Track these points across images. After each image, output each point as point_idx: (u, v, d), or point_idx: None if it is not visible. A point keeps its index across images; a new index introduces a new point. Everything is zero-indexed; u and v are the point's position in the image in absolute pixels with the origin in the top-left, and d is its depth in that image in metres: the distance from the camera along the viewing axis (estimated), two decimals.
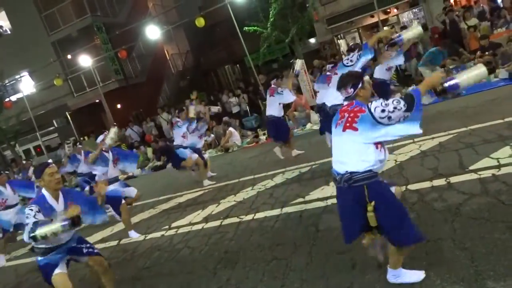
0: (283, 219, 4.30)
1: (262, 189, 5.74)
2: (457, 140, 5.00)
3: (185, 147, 7.09)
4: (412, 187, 3.99)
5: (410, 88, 8.82)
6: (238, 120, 12.80)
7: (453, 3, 13.93)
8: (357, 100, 2.56)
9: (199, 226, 5.01)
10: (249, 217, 4.72)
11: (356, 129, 2.43)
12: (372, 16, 13.97)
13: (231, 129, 11.27)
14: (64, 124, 19.57)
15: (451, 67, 9.55)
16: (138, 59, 19.99)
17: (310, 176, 5.62)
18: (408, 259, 2.77)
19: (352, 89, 2.54)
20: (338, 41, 16.24)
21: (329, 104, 5.46)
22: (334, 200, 4.25)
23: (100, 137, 5.96)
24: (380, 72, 6.74)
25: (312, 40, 17.25)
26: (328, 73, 6.01)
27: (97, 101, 18.18)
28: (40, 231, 2.78)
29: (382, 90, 6.23)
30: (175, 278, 3.80)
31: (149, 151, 13.40)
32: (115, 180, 5.72)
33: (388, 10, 14.52)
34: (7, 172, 7.54)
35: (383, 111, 2.35)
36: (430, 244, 2.87)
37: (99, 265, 3.44)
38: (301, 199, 4.71)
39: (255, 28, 13.07)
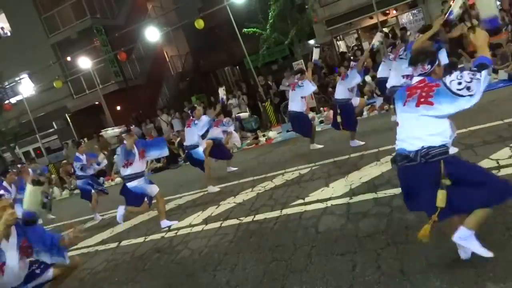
0: (282, 220, 4.30)
1: (261, 191, 5.73)
2: (457, 141, 4.98)
3: (197, 146, 7.00)
4: None
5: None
6: (238, 122, 12.79)
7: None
8: (429, 76, 2.57)
9: (198, 228, 5.01)
10: (249, 218, 4.72)
11: (431, 103, 2.41)
12: (371, 18, 14.00)
13: (231, 129, 11.25)
14: (64, 126, 19.57)
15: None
16: (137, 61, 20.01)
17: (310, 177, 5.62)
18: (408, 261, 2.77)
19: (429, 66, 2.57)
20: (338, 42, 16.27)
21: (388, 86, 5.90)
22: (334, 202, 4.30)
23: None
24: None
25: (312, 42, 17.27)
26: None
27: (97, 103, 18.17)
28: None
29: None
30: (175, 279, 3.80)
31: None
32: (140, 175, 5.41)
33: (387, 12, 14.55)
34: (14, 170, 7.51)
35: (459, 83, 2.34)
36: (429, 246, 2.86)
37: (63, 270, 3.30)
38: (301, 201, 4.71)
39: (255, 29, 13.08)
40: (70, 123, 19.14)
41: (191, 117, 7.19)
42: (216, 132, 7.50)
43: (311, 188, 5.08)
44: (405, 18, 14.51)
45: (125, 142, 5.30)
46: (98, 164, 7.68)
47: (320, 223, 3.90)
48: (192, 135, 6.90)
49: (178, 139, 12.53)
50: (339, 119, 6.52)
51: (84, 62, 15.68)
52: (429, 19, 12.68)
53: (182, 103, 16.50)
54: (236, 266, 3.59)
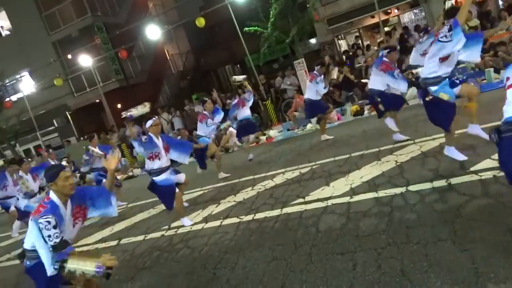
0: (283, 219, 4.29)
1: (262, 190, 5.73)
2: (458, 141, 4.98)
3: (207, 137, 7.28)
4: (412, 188, 3.98)
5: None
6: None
7: (455, 3, 13.93)
8: None
9: (199, 226, 5.01)
10: (249, 217, 4.71)
11: None
12: (373, 17, 13.97)
13: (231, 129, 11.25)
14: (65, 124, 19.58)
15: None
16: (138, 59, 20.00)
17: (310, 176, 5.61)
18: (408, 260, 2.76)
19: None
20: (339, 41, 16.24)
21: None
22: (334, 201, 4.29)
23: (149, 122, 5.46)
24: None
25: (313, 41, 17.25)
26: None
27: (97, 101, 18.18)
28: (70, 266, 2.55)
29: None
30: (175, 278, 3.79)
31: None
32: (166, 168, 5.17)
33: (389, 11, 14.51)
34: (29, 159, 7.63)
35: None
36: (430, 245, 2.86)
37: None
38: (301, 200, 4.71)
39: (256, 28, 13.06)
40: (71, 121, 19.14)
41: (203, 111, 7.39)
42: (246, 111, 8.06)
43: (311, 187, 5.07)
44: (407, 17, 14.49)
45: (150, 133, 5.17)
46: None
47: (320, 222, 3.90)
48: (202, 127, 7.26)
49: (179, 137, 12.51)
50: (381, 107, 6.16)
51: (85, 60, 15.68)
52: (431, 19, 12.66)
53: (182, 102, 16.50)
54: (236, 265, 3.59)
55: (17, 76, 18.85)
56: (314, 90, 7.43)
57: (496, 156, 4.05)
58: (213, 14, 13.98)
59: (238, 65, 21.72)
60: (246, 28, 12.94)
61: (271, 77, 14.60)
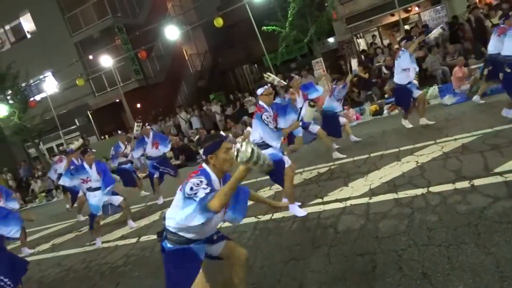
0: (301, 219, 4.27)
1: (279, 189, 5.71)
2: (482, 142, 4.86)
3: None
4: (434, 189, 3.90)
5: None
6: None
7: (478, 0, 13.56)
8: None
9: None
10: (267, 217, 4.72)
11: None
12: (393, 15, 13.74)
13: (249, 129, 11.28)
14: (86, 123, 20.02)
15: (473, 66, 9.31)
16: (157, 59, 20.26)
17: (329, 176, 5.57)
18: (429, 263, 2.71)
19: None
20: (357, 40, 16.04)
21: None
22: (353, 201, 4.25)
23: None
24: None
25: (331, 40, 17.11)
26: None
27: (118, 100, 18.51)
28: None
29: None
30: None
31: None
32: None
33: (409, 8, 14.23)
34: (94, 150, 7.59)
35: None
36: (452, 248, 2.80)
37: (234, 253, 2.77)
38: (319, 200, 4.68)
39: (274, 27, 13.03)
40: (92, 120, 19.55)
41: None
42: (334, 103, 7.12)
43: (329, 187, 5.03)
44: (428, 15, 14.17)
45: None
46: (126, 156, 8.12)
47: (339, 223, 3.87)
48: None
49: (197, 136, 12.63)
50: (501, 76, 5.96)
51: (106, 60, 16.00)
52: (453, 16, 12.35)
53: (200, 101, 16.64)
54: (253, 264, 3.60)
55: (41, 77, 19.38)
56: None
57: None
58: (231, 14, 14.04)
59: (256, 65, 21.74)
60: (264, 28, 12.93)
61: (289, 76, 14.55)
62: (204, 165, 2.55)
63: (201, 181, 2.33)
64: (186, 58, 23.70)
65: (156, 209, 7.12)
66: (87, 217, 7.75)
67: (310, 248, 3.52)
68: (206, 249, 2.67)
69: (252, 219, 4.79)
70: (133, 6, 19.86)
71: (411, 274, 2.68)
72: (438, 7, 13.81)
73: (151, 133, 7.43)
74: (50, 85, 18.82)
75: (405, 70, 6.44)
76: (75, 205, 8.73)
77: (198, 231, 2.50)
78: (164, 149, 7.46)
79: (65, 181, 7.01)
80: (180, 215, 2.35)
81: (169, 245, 2.57)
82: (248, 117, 12.50)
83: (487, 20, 10.28)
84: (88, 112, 19.49)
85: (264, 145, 4.29)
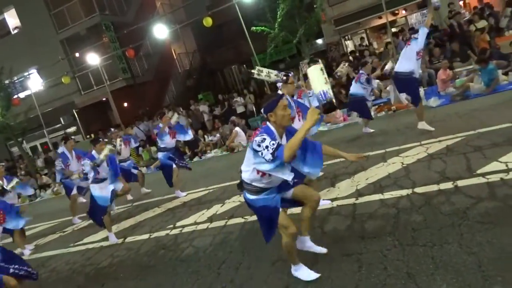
0: None
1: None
2: (465, 143, 4.95)
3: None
4: (419, 190, 3.95)
5: None
6: (244, 120, 12.81)
7: (463, 5, 13.86)
8: None
9: (204, 226, 5.02)
10: (254, 217, 4.69)
11: None
12: (380, 18, 13.91)
13: (237, 129, 11.27)
14: (71, 121, 19.74)
15: (458, 69, 9.49)
16: (145, 58, 20.10)
17: (316, 177, 5.58)
18: (414, 262, 2.75)
19: None
20: (346, 42, 16.17)
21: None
22: (340, 202, 4.28)
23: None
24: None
25: (320, 41, 17.21)
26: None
27: (104, 99, 18.30)
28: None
29: None
30: (179, 277, 3.80)
31: (154, 150, 13.44)
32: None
33: (397, 12, 14.43)
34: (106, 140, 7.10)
35: None
36: (436, 248, 2.84)
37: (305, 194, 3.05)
38: None
39: (263, 28, 13.05)
40: (77, 119, 19.27)
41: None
42: (360, 89, 7.30)
43: (316, 188, 5.05)
44: (414, 18, 14.40)
45: None
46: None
47: (325, 223, 3.89)
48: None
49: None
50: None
51: (92, 58, 15.78)
52: (439, 19, 12.55)
53: (188, 101, 16.55)
54: (240, 265, 3.59)
55: (25, 74, 19.01)
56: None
57: (504, 158, 4.03)
58: (220, 13, 14.00)
59: (245, 65, 21.74)
60: (253, 28, 12.94)
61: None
62: (267, 123, 2.78)
63: (264, 138, 2.58)
64: (175, 57, 23.56)
65: (143, 209, 7.05)
66: (80, 220, 7.69)
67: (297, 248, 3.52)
68: (282, 196, 3.00)
69: (239, 220, 4.79)
70: (121, 4, 19.67)
71: (396, 274, 2.70)
72: (425, 11, 14.03)
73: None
74: (34, 82, 18.47)
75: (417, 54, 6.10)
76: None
77: (267, 181, 2.83)
78: (184, 137, 7.23)
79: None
80: (252, 165, 2.74)
81: (248, 195, 2.97)
82: (236, 117, 12.50)
83: (471, 25, 10.50)
84: (73, 110, 19.20)
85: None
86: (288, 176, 2.69)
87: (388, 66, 7.03)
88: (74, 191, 7.81)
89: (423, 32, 5.91)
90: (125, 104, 18.70)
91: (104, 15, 18.03)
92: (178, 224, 5.45)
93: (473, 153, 4.50)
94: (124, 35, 16.21)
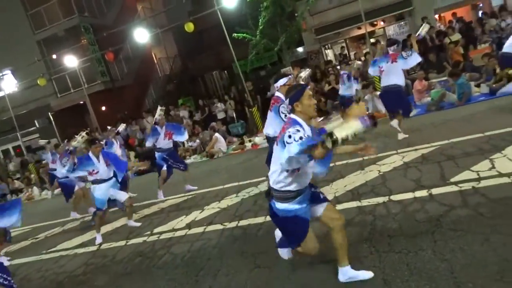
0: (267, 226, 4.28)
1: (246, 197, 5.72)
2: (439, 153, 5.10)
3: None
4: (395, 198, 4.04)
5: None
6: (225, 126, 12.78)
7: (438, 18, 14.36)
8: None
9: (182, 232, 4.96)
10: (233, 224, 4.70)
11: None
12: (359, 28, 14.21)
13: (217, 135, 11.23)
14: (46, 124, 19.19)
15: (433, 80, 9.79)
16: (125, 61, 19.81)
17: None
18: (390, 269, 2.80)
19: None
20: (326, 51, 16.44)
21: None
22: None
23: None
24: None
25: (300, 49, 17.42)
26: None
27: (81, 102, 17.90)
28: (339, 134, 2.23)
29: None
30: (156, 284, 3.74)
31: (132, 154, 13.23)
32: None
33: (375, 23, 14.79)
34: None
35: None
36: (411, 255, 2.91)
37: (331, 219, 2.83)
38: None
39: (244, 35, 13.12)
40: (53, 122, 18.77)
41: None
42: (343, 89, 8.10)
43: None
44: (392, 29, 14.80)
45: None
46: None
47: None
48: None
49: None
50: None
51: (70, 61, 15.42)
52: (415, 32, 12.93)
53: (168, 106, 16.38)
54: (219, 272, 3.57)
55: None
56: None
57: (475, 167, 4.17)
58: (202, 19, 13.97)
59: (226, 71, 21.74)
60: (235, 34, 12.98)
61: (259, 84, 14.71)
62: (292, 115, 2.67)
63: (297, 130, 2.46)
64: (155, 62, 23.34)
65: (120, 215, 6.90)
66: (80, 215, 7.54)
67: (274, 255, 3.52)
68: (311, 209, 2.85)
69: (218, 226, 4.76)
70: (101, 6, 19.36)
71: (372, 280, 2.75)
72: (402, 23, 14.45)
73: (165, 124, 7.09)
74: (8, 83, 17.90)
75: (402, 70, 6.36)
76: (71, 200, 7.99)
77: (297, 180, 2.70)
78: (181, 138, 7.25)
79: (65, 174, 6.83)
80: (281, 162, 2.57)
81: (278, 205, 2.80)
82: (216, 123, 12.46)
83: (445, 38, 10.89)
84: (49, 113, 18.69)
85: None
86: (322, 167, 2.71)
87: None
88: (77, 187, 7.59)
89: (415, 59, 6.16)
90: (103, 108, 18.34)
91: (83, 17, 17.70)
92: (156, 230, 5.37)
93: (447, 162, 4.65)
94: (104, 37, 15.95)
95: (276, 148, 2.67)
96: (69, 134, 17.85)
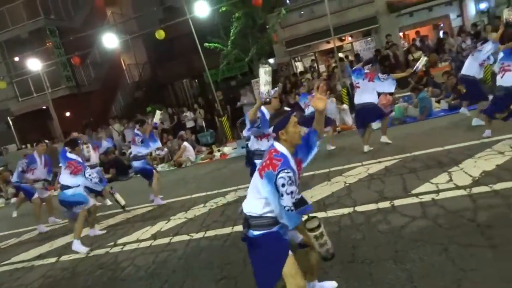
0: (234, 237, 4.26)
1: (214, 207, 5.68)
2: (402, 165, 5.29)
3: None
4: (359, 208, 4.14)
5: None
6: (194, 135, 12.67)
7: (403, 36, 15.06)
8: None
9: (147, 243, 4.84)
10: (200, 235, 4.64)
11: None
12: (328, 42, 14.59)
13: (185, 143, 11.11)
14: (5, 129, 18.29)
15: (397, 95, 10.18)
16: (92, 66, 19.29)
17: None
18: (353, 279, 2.85)
19: None
20: (295, 63, 16.76)
21: None
22: None
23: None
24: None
25: (271, 61, 17.64)
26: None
27: (44, 107, 17.21)
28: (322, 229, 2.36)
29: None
30: None
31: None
32: None
33: (343, 38, 15.28)
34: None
35: None
36: (374, 265, 2.98)
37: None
38: None
39: (216, 44, 13.14)
40: (12, 127, 17.90)
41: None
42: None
43: None
44: (359, 45, 15.31)
45: None
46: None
47: None
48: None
49: (130, 150, 12.11)
50: None
51: (34, 64, 14.81)
52: (380, 48, 13.46)
53: (136, 113, 16.05)
54: (184, 284, 3.50)
55: None
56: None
57: (434, 180, 4.36)
58: (173, 27, 13.88)
59: (196, 80, 21.63)
60: (206, 44, 12.97)
61: (229, 93, 14.74)
62: (276, 144, 2.52)
63: (290, 178, 2.30)
64: (124, 68, 22.88)
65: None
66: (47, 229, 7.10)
67: (241, 266, 3.51)
68: (289, 234, 2.60)
69: (185, 237, 4.69)
70: (68, 9, 18.82)
71: None
72: (368, 39, 15.00)
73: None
74: None
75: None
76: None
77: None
78: (154, 145, 7.15)
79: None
80: (266, 196, 2.37)
81: (256, 232, 2.50)
82: (185, 132, 12.34)
83: (409, 55, 11.42)
84: (8, 118, 17.84)
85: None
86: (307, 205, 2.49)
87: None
88: (36, 195, 7.10)
89: (389, 87, 6.52)
90: (68, 114, 17.72)
91: (49, 19, 17.12)
92: (120, 241, 5.21)
93: (409, 174, 4.82)
94: (70, 41, 15.45)
95: (260, 180, 2.41)
96: (29, 140, 17.14)
